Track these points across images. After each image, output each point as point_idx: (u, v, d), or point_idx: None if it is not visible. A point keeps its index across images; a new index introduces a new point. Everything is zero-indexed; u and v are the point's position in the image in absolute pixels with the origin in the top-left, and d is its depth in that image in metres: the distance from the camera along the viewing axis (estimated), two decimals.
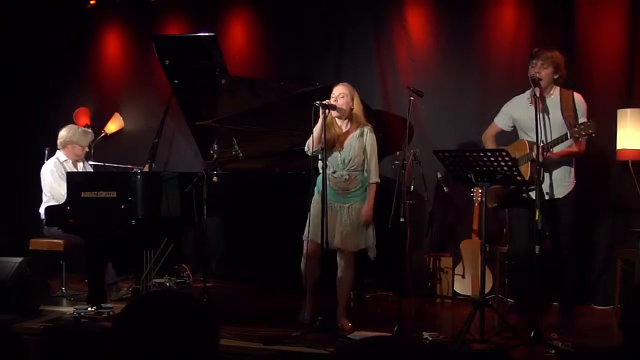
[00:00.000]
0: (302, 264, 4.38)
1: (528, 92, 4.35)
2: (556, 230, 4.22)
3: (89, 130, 5.71)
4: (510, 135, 4.54)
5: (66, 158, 5.45)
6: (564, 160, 4.21)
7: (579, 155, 4.23)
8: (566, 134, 4.03)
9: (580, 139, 4.05)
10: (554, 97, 4.23)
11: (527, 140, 4.23)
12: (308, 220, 4.35)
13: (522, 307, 4.39)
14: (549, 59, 4.16)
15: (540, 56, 4.17)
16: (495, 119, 4.55)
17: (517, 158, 4.14)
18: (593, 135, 3.97)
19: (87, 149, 5.57)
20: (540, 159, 3.96)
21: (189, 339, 1.42)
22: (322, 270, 4.22)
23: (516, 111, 4.40)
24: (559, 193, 4.18)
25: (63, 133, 5.48)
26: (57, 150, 5.50)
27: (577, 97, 4.23)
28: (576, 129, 3.99)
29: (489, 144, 4.51)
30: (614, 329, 4.54)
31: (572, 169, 4.27)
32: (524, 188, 4.16)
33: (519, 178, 3.94)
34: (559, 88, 4.25)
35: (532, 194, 4.07)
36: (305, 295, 4.43)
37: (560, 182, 4.19)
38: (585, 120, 4.08)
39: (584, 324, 4.60)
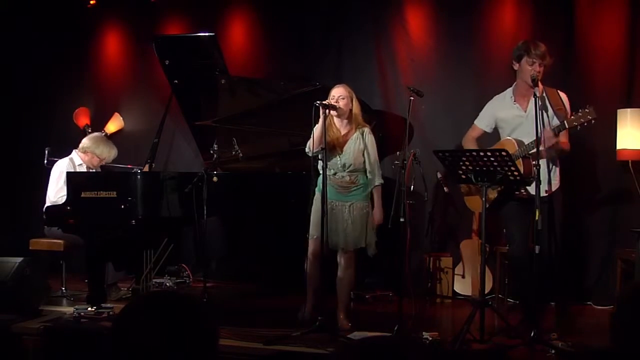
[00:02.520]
0: (307, 263, 4.38)
1: (509, 91, 4.35)
2: (550, 228, 4.21)
3: (114, 147, 5.61)
4: (489, 137, 4.53)
5: (81, 162, 5.43)
6: (552, 158, 4.20)
7: (568, 151, 4.22)
8: (563, 123, 4.00)
9: (578, 127, 4.00)
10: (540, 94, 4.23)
11: (514, 139, 4.22)
12: (311, 219, 4.36)
13: (525, 307, 4.38)
14: (544, 59, 4.15)
15: (539, 53, 4.15)
16: (476, 122, 4.52)
17: None
18: (593, 122, 3.90)
19: (104, 162, 5.55)
20: (543, 148, 3.94)
21: (188, 339, 1.42)
22: (324, 270, 4.22)
23: (500, 111, 4.38)
24: (547, 190, 4.18)
25: (87, 142, 5.48)
26: (74, 151, 5.48)
27: (562, 94, 4.24)
28: (574, 117, 3.96)
29: (470, 147, 4.47)
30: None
31: (558, 169, 4.27)
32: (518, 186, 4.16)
33: (518, 178, 3.93)
34: (542, 85, 4.24)
35: (530, 190, 4.06)
36: (307, 294, 4.43)
37: (548, 180, 4.18)
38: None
39: (584, 324, 4.60)
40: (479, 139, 4.52)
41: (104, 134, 6.39)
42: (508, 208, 4.31)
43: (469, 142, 4.51)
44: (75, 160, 5.43)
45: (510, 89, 4.35)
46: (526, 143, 4.11)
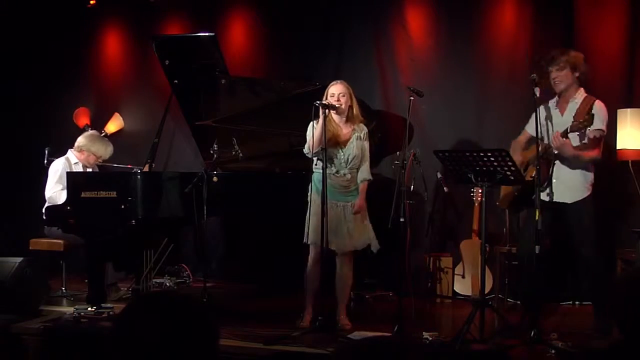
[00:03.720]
0: (308, 269, 4.37)
1: (555, 98, 4.36)
2: (569, 234, 4.21)
3: (109, 143, 5.60)
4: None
5: (77, 161, 5.43)
6: (581, 164, 4.19)
7: (598, 159, 4.20)
8: (568, 127, 4.02)
9: (586, 135, 4.03)
10: (577, 101, 4.23)
11: (544, 143, 4.23)
12: (307, 222, 4.32)
13: (527, 307, 4.38)
14: (563, 62, 4.15)
15: (554, 62, 4.18)
16: (526, 127, 4.51)
17: (529, 159, 4.17)
18: (589, 129, 3.97)
19: (100, 160, 5.54)
20: (554, 152, 3.97)
21: (189, 339, 1.42)
22: (322, 274, 4.20)
23: (544, 116, 4.37)
24: (571, 197, 4.17)
25: (81, 139, 5.47)
26: (69, 150, 5.48)
27: (598, 104, 4.20)
28: (576, 122, 4.00)
29: (513, 149, 4.42)
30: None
31: (591, 175, 4.24)
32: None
33: (517, 176, 3.94)
34: (584, 94, 4.24)
35: (542, 196, 4.07)
36: (306, 303, 4.38)
37: (576, 187, 4.18)
38: (604, 128, 4.09)
39: (584, 324, 4.59)
40: (528, 143, 4.50)
41: (103, 133, 6.39)
42: (528, 210, 4.35)
43: (517, 146, 4.48)
44: (71, 159, 5.42)
45: (555, 96, 4.38)
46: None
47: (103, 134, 6.48)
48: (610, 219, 5.33)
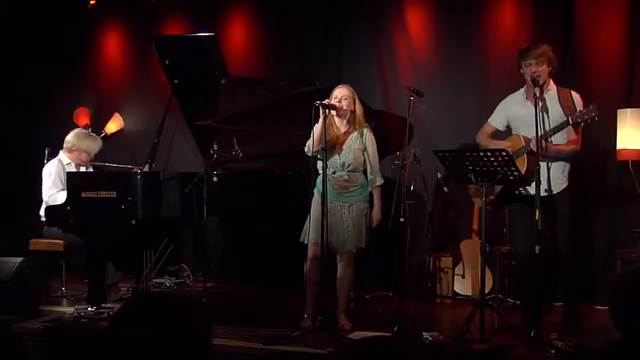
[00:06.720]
0: (306, 267, 4.37)
1: (522, 90, 4.36)
2: (554, 228, 4.21)
3: (97, 138, 5.63)
4: (502, 135, 4.54)
5: (69, 161, 5.43)
6: (561, 157, 4.21)
7: (576, 151, 4.22)
8: (567, 120, 4.02)
9: (582, 123, 4.03)
10: (551, 93, 4.24)
11: (522, 135, 4.23)
12: (308, 221, 4.35)
13: (526, 307, 4.39)
14: (541, 56, 4.17)
15: (532, 54, 4.18)
16: (490, 119, 4.54)
17: (512, 152, 4.15)
18: (596, 118, 3.94)
19: (92, 157, 5.54)
20: (540, 150, 3.96)
21: (180, 339, 1.42)
22: (323, 273, 4.20)
23: (512, 109, 4.39)
24: (555, 189, 4.18)
25: (70, 138, 5.46)
26: (60, 151, 5.48)
27: (575, 94, 4.25)
28: (578, 114, 4.00)
29: (484, 141, 4.49)
30: (614, 328, 4.53)
31: (568, 166, 4.26)
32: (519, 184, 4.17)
33: (517, 175, 3.93)
34: (555, 86, 4.26)
35: (529, 189, 4.08)
36: (307, 303, 4.38)
37: (556, 178, 4.19)
38: None
39: (584, 324, 4.59)
40: (492, 136, 4.52)
41: (103, 133, 6.39)
42: (514, 207, 4.34)
43: (483, 137, 4.51)
44: (64, 160, 5.42)
45: (523, 88, 4.36)
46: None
47: (103, 134, 6.49)
48: (611, 219, 5.34)
